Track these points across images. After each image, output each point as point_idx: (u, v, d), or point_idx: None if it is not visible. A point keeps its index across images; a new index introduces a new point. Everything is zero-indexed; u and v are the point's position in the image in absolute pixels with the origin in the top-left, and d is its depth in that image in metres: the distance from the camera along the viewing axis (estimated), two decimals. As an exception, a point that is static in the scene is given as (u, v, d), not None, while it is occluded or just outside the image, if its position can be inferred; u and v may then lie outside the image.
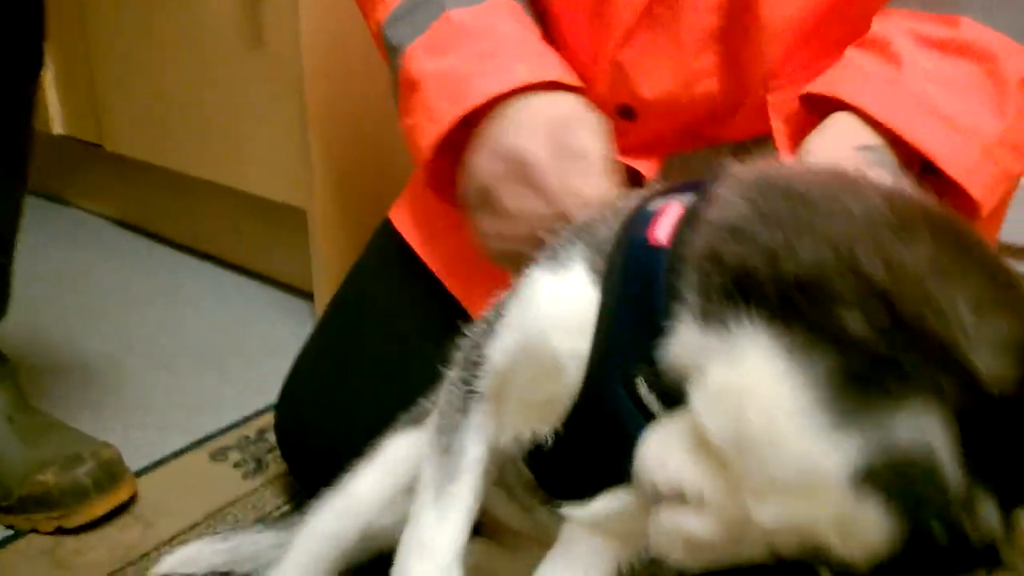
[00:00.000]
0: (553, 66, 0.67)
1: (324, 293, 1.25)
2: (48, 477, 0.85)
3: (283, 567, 0.72)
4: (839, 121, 0.63)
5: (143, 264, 1.52)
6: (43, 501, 0.85)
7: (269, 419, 1.04)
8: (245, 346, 1.24)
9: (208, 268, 1.50)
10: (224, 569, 0.81)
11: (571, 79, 0.67)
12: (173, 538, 0.84)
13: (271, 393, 1.09)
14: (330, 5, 1.13)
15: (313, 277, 1.28)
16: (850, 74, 0.64)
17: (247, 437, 1.01)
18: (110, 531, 0.86)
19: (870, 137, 0.61)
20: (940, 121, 0.61)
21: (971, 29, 0.63)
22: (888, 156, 0.61)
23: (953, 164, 0.60)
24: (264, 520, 0.88)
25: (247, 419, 1.05)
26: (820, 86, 0.65)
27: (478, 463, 0.56)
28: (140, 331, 1.28)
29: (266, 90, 1.21)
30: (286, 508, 0.90)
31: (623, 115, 0.72)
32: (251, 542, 0.83)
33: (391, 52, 0.72)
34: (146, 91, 1.39)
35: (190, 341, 1.26)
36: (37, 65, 0.91)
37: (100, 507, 0.86)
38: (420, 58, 0.69)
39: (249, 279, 1.45)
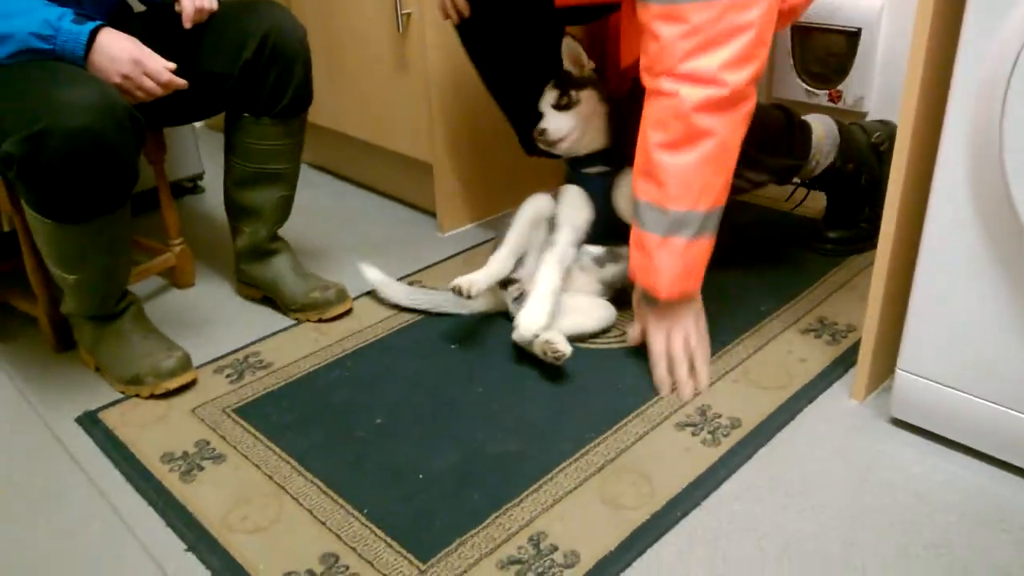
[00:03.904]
0: None
1: (443, 212, 2.13)
2: (316, 294, 1.75)
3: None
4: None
5: (330, 193, 2.44)
6: (312, 306, 1.74)
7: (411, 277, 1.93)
8: (396, 239, 2.14)
9: (367, 194, 2.40)
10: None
11: None
12: (377, 323, 1.74)
13: (408, 268, 1.97)
14: (449, 45, 1.96)
15: (436, 202, 2.16)
16: None
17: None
18: (343, 321, 1.75)
19: None
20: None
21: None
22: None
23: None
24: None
25: (404, 277, 1.93)
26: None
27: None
28: (337, 230, 2.19)
29: (408, 94, 2.07)
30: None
31: None
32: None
33: None
34: (337, 93, 2.27)
35: (365, 235, 2.16)
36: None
37: (340, 310, 1.75)
38: None
39: (394, 202, 2.35)
